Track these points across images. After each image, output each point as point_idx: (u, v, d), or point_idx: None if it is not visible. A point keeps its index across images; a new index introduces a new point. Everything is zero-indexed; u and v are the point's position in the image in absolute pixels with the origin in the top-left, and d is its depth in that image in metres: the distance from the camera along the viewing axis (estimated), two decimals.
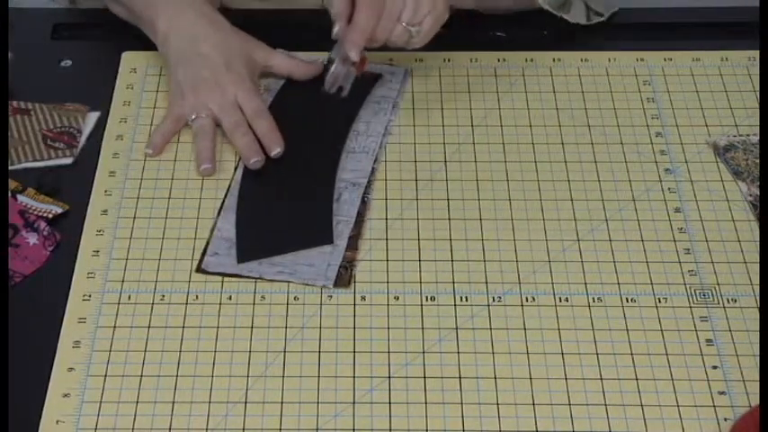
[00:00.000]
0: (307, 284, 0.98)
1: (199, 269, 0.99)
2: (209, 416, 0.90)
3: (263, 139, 1.08)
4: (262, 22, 1.17)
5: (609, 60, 1.19)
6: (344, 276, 0.99)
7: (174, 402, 0.91)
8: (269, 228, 1.03)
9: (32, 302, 0.98)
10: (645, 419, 0.90)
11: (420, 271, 1.00)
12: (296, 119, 1.09)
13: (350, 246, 1.01)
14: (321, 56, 1.16)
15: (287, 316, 0.97)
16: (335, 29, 1.05)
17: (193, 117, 1.09)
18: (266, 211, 1.04)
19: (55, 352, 0.94)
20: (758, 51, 1.18)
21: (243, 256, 1.00)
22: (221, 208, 1.04)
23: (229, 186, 1.06)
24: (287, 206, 1.05)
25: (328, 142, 1.10)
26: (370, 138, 1.11)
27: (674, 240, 1.02)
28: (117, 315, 0.96)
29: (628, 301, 0.98)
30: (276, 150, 1.07)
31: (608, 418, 0.90)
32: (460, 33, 1.16)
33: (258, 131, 1.08)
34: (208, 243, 1.01)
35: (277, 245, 1.01)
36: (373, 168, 1.08)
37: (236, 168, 1.08)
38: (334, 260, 1.00)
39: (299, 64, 1.15)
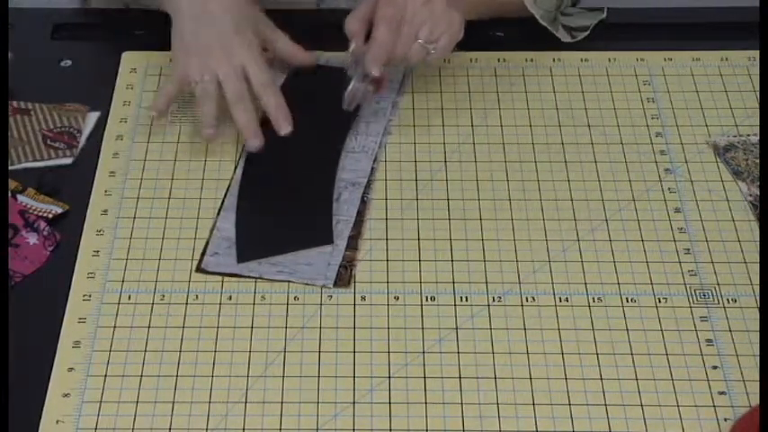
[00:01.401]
0: (307, 284, 0.98)
1: (199, 269, 0.99)
2: (209, 416, 0.90)
3: (272, 115, 1.06)
4: None
5: (609, 60, 1.19)
6: (344, 276, 0.99)
7: (174, 402, 0.91)
8: (269, 227, 1.03)
9: (32, 302, 0.98)
10: (645, 419, 0.90)
11: (420, 271, 1.00)
12: (295, 117, 1.08)
13: (350, 245, 1.01)
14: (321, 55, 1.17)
15: (287, 316, 0.97)
16: (352, 46, 1.07)
17: (198, 80, 1.06)
18: (266, 211, 1.04)
19: (55, 352, 0.94)
20: (758, 51, 1.18)
21: (243, 256, 1.00)
22: (221, 207, 1.04)
23: (229, 186, 1.06)
24: (287, 206, 1.05)
25: (328, 142, 1.10)
26: (369, 137, 1.11)
27: (674, 240, 1.02)
28: (117, 315, 0.96)
29: (628, 301, 0.98)
30: (286, 129, 1.06)
31: (608, 418, 0.90)
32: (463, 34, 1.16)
33: (266, 106, 1.07)
34: (207, 243, 1.01)
35: (277, 244, 1.01)
36: (373, 168, 1.08)
37: (235, 167, 1.08)
38: (334, 260, 1.00)
39: (300, 49, 1.14)
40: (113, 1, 1.23)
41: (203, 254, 1.00)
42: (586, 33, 1.21)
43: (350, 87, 1.08)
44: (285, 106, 1.06)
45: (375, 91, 1.09)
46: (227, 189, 1.06)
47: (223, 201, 1.05)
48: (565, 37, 1.19)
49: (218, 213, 1.04)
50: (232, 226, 1.02)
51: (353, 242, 1.02)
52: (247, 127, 1.06)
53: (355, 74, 1.07)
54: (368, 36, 1.07)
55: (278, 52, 1.13)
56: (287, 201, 1.05)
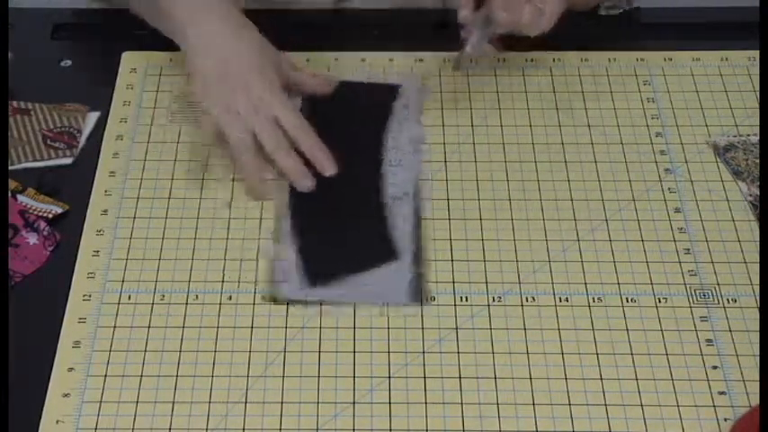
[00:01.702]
0: (386, 305, 0.97)
1: (272, 299, 0.97)
2: (209, 416, 0.90)
3: (313, 157, 1.05)
4: (267, 21, 1.16)
5: (609, 60, 1.19)
6: (418, 291, 0.98)
7: (174, 402, 0.91)
8: (332, 250, 1.01)
9: (32, 302, 0.98)
10: (645, 419, 0.90)
11: None
12: (325, 136, 1.06)
13: (414, 260, 1.00)
14: (329, 54, 1.17)
15: (287, 316, 0.97)
16: (462, 14, 1.08)
17: (234, 136, 1.05)
18: (324, 234, 1.02)
19: (55, 352, 0.94)
20: (758, 51, 1.18)
21: (313, 281, 0.98)
22: (277, 234, 1.02)
23: (278, 212, 1.04)
24: (343, 226, 1.03)
25: (366, 157, 1.09)
26: (400, 150, 1.10)
27: (674, 240, 1.02)
28: (117, 315, 0.96)
29: (628, 301, 0.98)
30: (331, 169, 1.05)
31: (608, 418, 0.90)
32: (461, 33, 1.16)
33: (305, 149, 1.06)
34: (272, 270, 0.99)
35: (345, 266, 0.99)
36: (415, 180, 1.07)
37: (289, 192, 1.05)
38: (403, 276, 0.99)
39: (322, 82, 1.14)
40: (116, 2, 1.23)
41: (270, 282, 0.98)
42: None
43: (468, 47, 1.08)
44: (323, 146, 1.06)
45: (497, 48, 1.10)
46: (279, 215, 1.04)
47: (277, 226, 1.03)
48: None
49: (276, 239, 1.02)
50: (293, 251, 1.00)
51: (418, 257, 1.00)
52: (294, 170, 1.05)
53: (476, 25, 1.08)
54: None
55: (302, 88, 1.13)
56: (342, 221, 1.03)
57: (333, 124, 1.09)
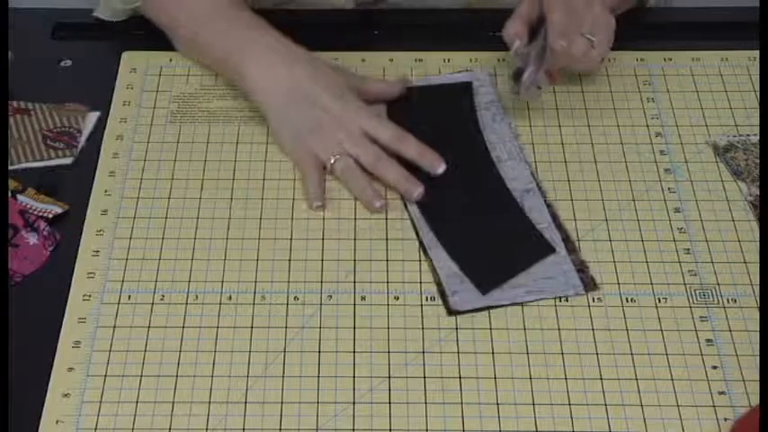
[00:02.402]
0: (558, 297, 0.97)
1: (450, 312, 0.96)
2: (209, 416, 0.90)
3: (421, 161, 1.04)
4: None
5: (609, 60, 1.19)
6: (587, 280, 0.98)
7: (174, 402, 0.91)
8: (488, 254, 1.00)
9: (32, 302, 0.98)
10: (645, 419, 0.90)
11: (420, 271, 1.00)
12: (423, 140, 1.05)
13: (569, 249, 1.00)
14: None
15: (287, 316, 0.97)
16: (515, 45, 1.09)
17: (332, 160, 1.05)
18: (475, 239, 1.01)
19: (55, 352, 0.94)
20: (758, 51, 1.18)
21: (484, 287, 0.97)
22: (423, 247, 1.01)
23: (413, 223, 1.03)
24: (490, 228, 1.02)
25: (474, 157, 1.08)
26: (506, 143, 1.09)
27: (674, 240, 1.02)
28: (117, 315, 0.96)
29: (628, 301, 0.98)
30: (441, 166, 1.04)
31: (608, 418, 0.90)
32: (460, 33, 1.16)
33: (409, 155, 1.04)
34: (440, 284, 0.98)
35: (507, 267, 0.98)
36: (531, 172, 1.07)
37: (406, 205, 1.04)
38: (567, 267, 0.99)
39: (390, 84, 1.13)
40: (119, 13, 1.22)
41: (443, 295, 0.97)
42: None
43: (525, 76, 1.08)
44: (425, 146, 1.05)
45: (551, 82, 1.10)
46: (414, 228, 1.02)
47: (420, 239, 1.01)
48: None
49: (425, 253, 1.01)
50: (450, 263, 0.99)
51: (570, 245, 1.00)
52: (400, 180, 1.04)
53: (529, 64, 1.08)
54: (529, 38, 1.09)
55: (371, 95, 1.11)
56: (485, 224, 1.02)
57: (422, 129, 1.07)
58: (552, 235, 1.01)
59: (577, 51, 1.08)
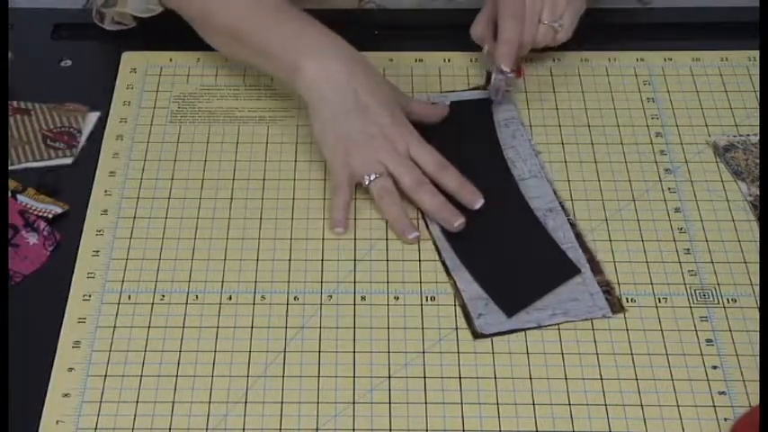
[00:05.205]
0: (586, 319, 0.96)
1: (477, 335, 0.95)
2: (209, 416, 0.90)
3: (460, 194, 1.02)
4: None
5: (609, 60, 1.19)
6: (613, 300, 0.97)
7: (174, 402, 0.91)
8: (513, 276, 0.99)
9: (32, 302, 0.98)
10: (645, 419, 0.90)
11: (420, 271, 1.00)
12: (453, 162, 1.04)
13: (594, 270, 0.99)
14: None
15: (287, 316, 0.97)
16: (485, 49, 1.10)
17: (371, 178, 1.02)
18: (500, 260, 1.00)
19: (55, 352, 0.94)
20: (758, 51, 1.18)
21: (509, 310, 0.96)
22: (445, 267, 1.00)
23: (436, 245, 1.01)
24: (515, 249, 1.01)
25: (495, 174, 1.06)
26: (527, 161, 1.08)
27: (674, 240, 1.02)
28: (117, 315, 0.96)
29: (627, 301, 0.98)
30: (479, 202, 1.01)
31: (608, 418, 0.90)
32: (460, 33, 1.16)
33: (450, 187, 1.02)
34: (465, 306, 0.97)
35: (533, 289, 0.97)
36: (554, 190, 1.06)
37: (427, 225, 1.03)
38: (592, 288, 0.97)
39: (433, 108, 1.10)
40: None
41: (468, 318, 0.96)
42: None
43: (492, 82, 1.10)
44: (466, 180, 1.02)
45: (516, 77, 1.11)
46: (436, 249, 1.01)
47: (443, 261, 1.00)
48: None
49: (447, 275, 0.99)
50: (474, 285, 0.98)
51: (595, 266, 0.99)
52: (441, 209, 1.01)
53: (493, 69, 1.10)
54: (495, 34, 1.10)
55: (414, 117, 1.08)
56: (510, 244, 1.01)
57: (446, 146, 1.05)
58: (577, 255, 1.00)
59: (542, 41, 1.10)
